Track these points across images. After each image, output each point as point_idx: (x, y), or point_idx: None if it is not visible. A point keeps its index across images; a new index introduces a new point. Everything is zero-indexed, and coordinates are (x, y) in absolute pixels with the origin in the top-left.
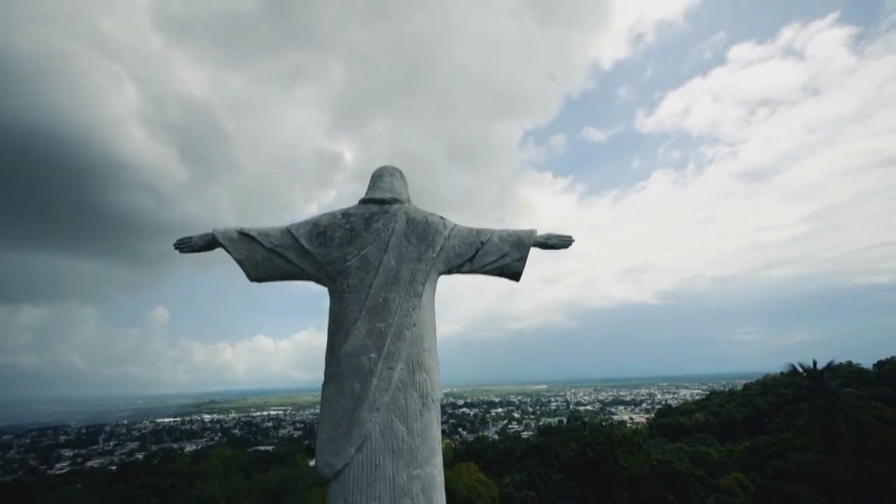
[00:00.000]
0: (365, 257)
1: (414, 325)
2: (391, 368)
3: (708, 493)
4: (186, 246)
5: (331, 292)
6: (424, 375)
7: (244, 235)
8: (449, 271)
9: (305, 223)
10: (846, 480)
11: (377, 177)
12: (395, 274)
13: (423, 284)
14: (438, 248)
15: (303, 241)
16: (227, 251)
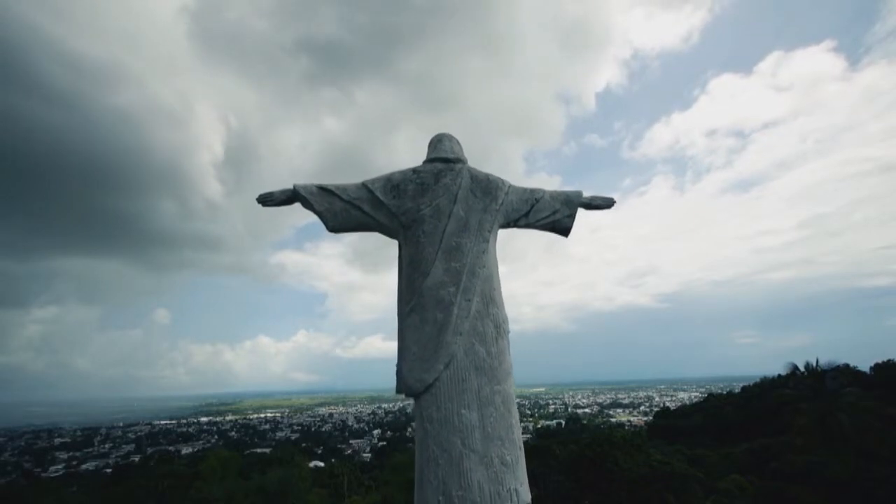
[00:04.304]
0: (437, 207)
1: (484, 267)
2: (468, 300)
3: (707, 494)
4: (269, 200)
5: (405, 239)
6: (496, 309)
7: (323, 190)
8: (507, 225)
9: (379, 178)
10: (846, 481)
11: (437, 141)
12: (465, 222)
13: (489, 232)
14: (500, 201)
15: (378, 194)
16: (309, 203)
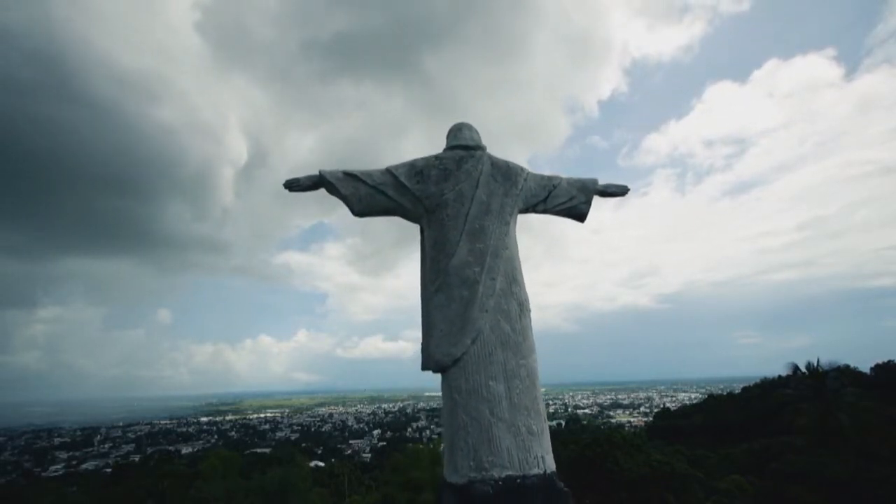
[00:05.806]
0: (460, 191)
1: (506, 248)
2: (493, 279)
3: (707, 495)
4: (296, 186)
5: (429, 222)
6: (518, 288)
7: (348, 175)
8: (526, 210)
9: (403, 164)
10: (846, 481)
11: (457, 129)
12: (487, 206)
13: (510, 215)
14: (520, 187)
15: (402, 179)
16: (335, 188)
